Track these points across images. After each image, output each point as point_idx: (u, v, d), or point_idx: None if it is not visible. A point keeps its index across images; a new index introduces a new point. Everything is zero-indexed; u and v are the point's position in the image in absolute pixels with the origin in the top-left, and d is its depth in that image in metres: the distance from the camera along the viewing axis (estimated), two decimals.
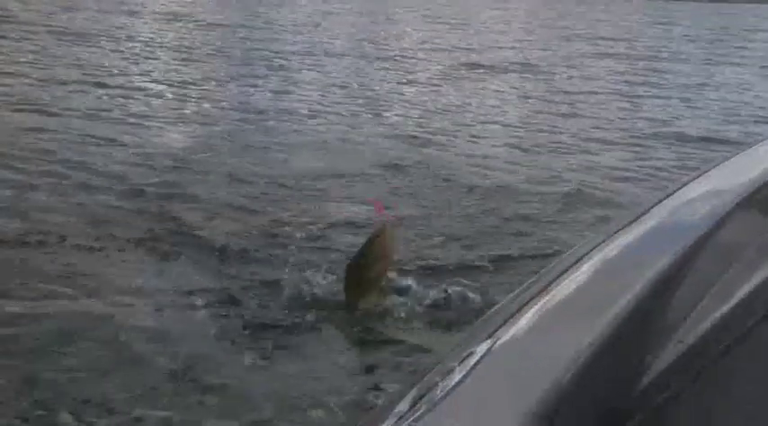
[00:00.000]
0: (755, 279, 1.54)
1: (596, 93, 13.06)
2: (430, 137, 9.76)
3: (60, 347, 4.41)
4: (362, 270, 4.92)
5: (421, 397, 1.09)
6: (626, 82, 14.11)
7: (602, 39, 18.35)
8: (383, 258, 4.95)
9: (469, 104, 11.75)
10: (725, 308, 1.45)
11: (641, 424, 1.20)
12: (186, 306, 4.98)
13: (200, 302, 5.04)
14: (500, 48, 16.72)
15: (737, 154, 2.15)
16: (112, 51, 13.41)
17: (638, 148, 9.93)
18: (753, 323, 1.44)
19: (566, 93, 12.86)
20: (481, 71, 14.16)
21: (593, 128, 10.77)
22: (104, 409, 3.88)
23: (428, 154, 8.95)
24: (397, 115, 10.93)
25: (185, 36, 15.49)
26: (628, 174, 8.70)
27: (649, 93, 13.34)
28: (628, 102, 12.61)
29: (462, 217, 6.83)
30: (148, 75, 12.07)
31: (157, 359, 4.34)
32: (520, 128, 10.64)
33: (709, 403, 1.30)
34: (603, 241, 1.54)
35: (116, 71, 11.95)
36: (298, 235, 6.15)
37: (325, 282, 5.26)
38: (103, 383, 4.10)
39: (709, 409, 1.29)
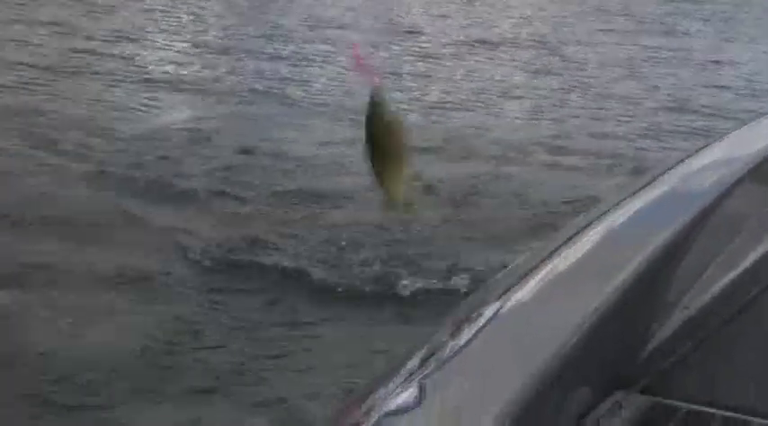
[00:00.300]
0: (761, 249, 1.56)
1: (609, 68, 12.98)
2: (447, 110, 9.76)
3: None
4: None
5: (431, 356, 1.12)
6: (639, 58, 14.00)
7: (614, 15, 18.17)
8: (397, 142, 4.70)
9: (484, 79, 11.71)
10: (730, 277, 1.48)
11: (646, 388, 1.23)
12: (199, 286, 5.00)
13: (210, 283, 5.05)
14: (511, 24, 16.59)
15: (742, 127, 2.16)
16: (126, 21, 13.37)
17: (653, 121, 9.93)
18: (757, 291, 1.46)
19: (578, 68, 12.79)
20: (493, 46, 14.07)
21: (608, 101, 10.75)
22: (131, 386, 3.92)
23: (447, 127, 8.96)
24: (412, 89, 10.89)
25: (200, 8, 15.43)
26: (646, 145, 8.74)
27: (663, 70, 13.26)
28: (641, 77, 12.54)
29: (486, 194, 6.86)
30: (164, 47, 12.06)
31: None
32: (536, 102, 10.63)
33: (713, 369, 1.32)
34: (610, 209, 1.56)
35: (132, 42, 11.95)
36: (314, 210, 6.13)
37: (341, 262, 5.25)
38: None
39: (713, 375, 1.31)
